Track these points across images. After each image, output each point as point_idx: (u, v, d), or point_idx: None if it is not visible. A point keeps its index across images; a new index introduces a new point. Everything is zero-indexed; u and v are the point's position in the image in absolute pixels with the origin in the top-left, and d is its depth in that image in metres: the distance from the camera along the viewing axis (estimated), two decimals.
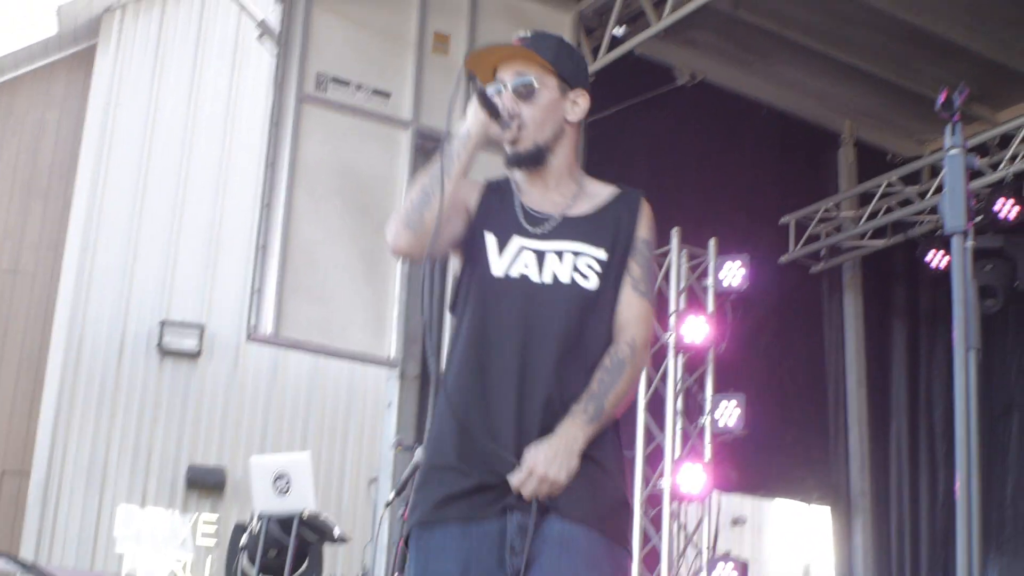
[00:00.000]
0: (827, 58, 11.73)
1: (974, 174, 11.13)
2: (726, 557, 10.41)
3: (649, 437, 10.73)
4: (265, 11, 10.31)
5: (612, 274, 3.52)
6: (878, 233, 12.48)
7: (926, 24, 10.98)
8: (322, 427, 15.56)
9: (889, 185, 12.23)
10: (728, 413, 10.51)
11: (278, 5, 10.14)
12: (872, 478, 12.60)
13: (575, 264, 3.50)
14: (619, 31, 11.09)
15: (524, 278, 3.49)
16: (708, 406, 10.65)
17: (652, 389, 10.81)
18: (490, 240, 3.57)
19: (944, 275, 11.75)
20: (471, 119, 3.53)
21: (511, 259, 3.53)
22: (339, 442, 15.58)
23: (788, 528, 18.76)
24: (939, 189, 11.46)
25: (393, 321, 9.95)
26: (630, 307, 3.51)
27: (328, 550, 8.20)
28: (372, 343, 9.93)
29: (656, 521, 10.50)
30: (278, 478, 7.54)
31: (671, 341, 10.71)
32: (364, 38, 10.43)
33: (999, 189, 11.10)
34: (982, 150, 11.41)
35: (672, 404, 10.67)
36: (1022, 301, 11.52)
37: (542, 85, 3.57)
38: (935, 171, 11.92)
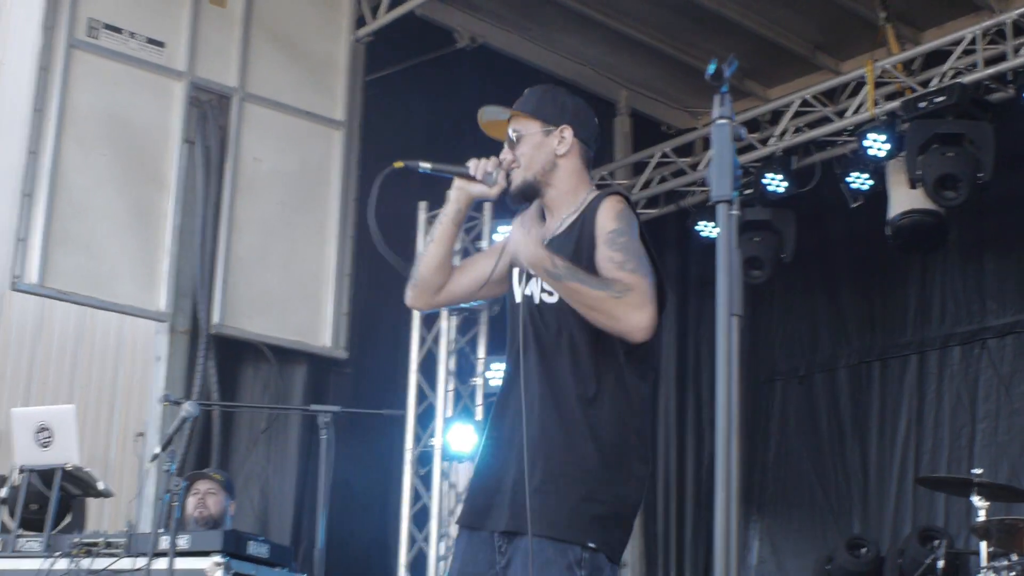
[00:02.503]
0: (605, 28, 11.86)
1: (745, 148, 11.39)
2: None
3: (421, 396, 10.78)
4: None
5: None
6: (651, 202, 12.68)
7: None
8: (89, 380, 15.22)
9: (663, 156, 12.44)
10: (500, 374, 10.58)
11: None
12: None
13: (541, 282, 4.00)
14: None
15: (527, 298, 4.08)
16: (480, 367, 10.73)
17: (425, 349, 10.86)
18: (514, 274, 4.19)
19: (713, 245, 12.01)
20: (452, 189, 4.27)
21: (523, 286, 4.12)
22: (106, 395, 15.24)
23: None
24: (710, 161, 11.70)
25: (163, 274, 9.82)
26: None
27: (93, 504, 8.07)
28: (141, 296, 9.79)
29: (427, 480, 10.57)
30: (40, 430, 7.35)
31: None
32: None
33: (769, 164, 11.38)
34: (753, 125, 11.68)
35: (444, 364, 10.74)
36: (788, 273, 11.82)
37: (525, 132, 4.19)
38: (707, 144, 12.16)
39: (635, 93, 13.19)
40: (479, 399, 10.65)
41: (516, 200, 4.18)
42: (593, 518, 3.77)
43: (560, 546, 3.73)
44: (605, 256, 3.86)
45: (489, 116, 4.33)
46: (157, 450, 6.36)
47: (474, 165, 4.21)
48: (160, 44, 10.16)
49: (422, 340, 10.87)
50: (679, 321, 13.32)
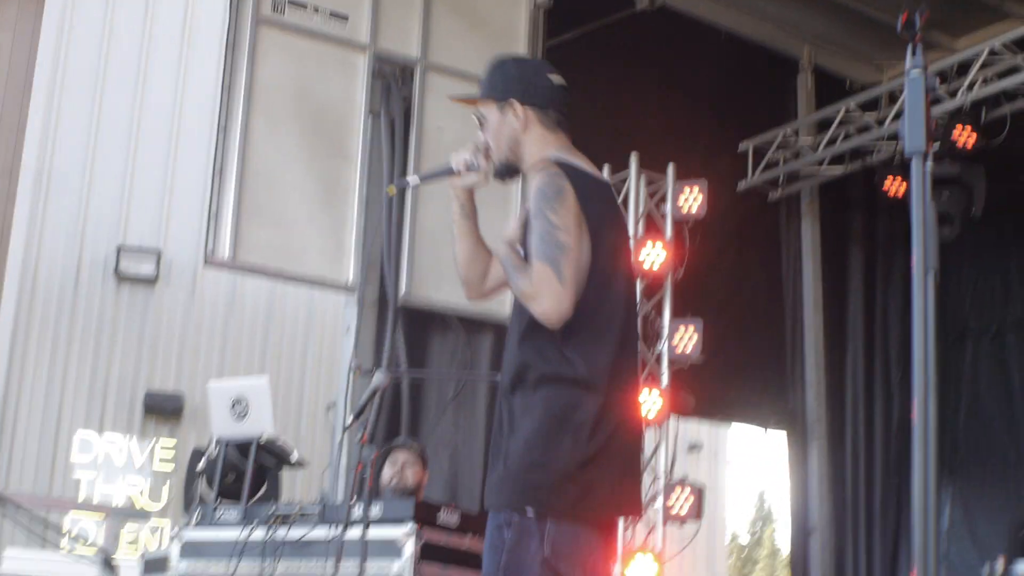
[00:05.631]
0: None
1: (933, 100, 11.13)
2: (683, 482, 10.47)
3: None
4: None
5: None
6: (836, 160, 12.47)
7: None
8: (280, 352, 15.53)
9: (847, 112, 12.22)
10: (686, 339, 10.52)
11: None
12: (828, 404, 12.68)
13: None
14: None
15: None
16: (666, 332, 10.66)
17: None
18: None
19: (900, 202, 11.78)
20: (451, 189, 4.31)
21: None
22: (297, 367, 15.55)
23: (744, 455, 18.86)
24: (898, 115, 11.46)
25: (351, 245, 9.90)
26: None
27: (287, 475, 8.17)
28: (330, 268, 9.89)
29: None
30: (236, 403, 7.48)
31: None
32: None
33: (957, 116, 11.10)
34: (941, 77, 11.38)
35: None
36: (978, 229, 11.55)
37: (486, 112, 4.27)
38: (893, 98, 11.91)
39: (818, 48, 12.98)
40: (665, 364, 10.59)
41: (501, 179, 4.31)
42: (526, 485, 3.85)
43: (491, 516, 3.91)
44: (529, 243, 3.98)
45: (458, 98, 4.50)
46: (349, 420, 6.44)
47: (455, 160, 4.28)
48: (343, 17, 10.24)
49: None
50: (866, 281, 13.14)
